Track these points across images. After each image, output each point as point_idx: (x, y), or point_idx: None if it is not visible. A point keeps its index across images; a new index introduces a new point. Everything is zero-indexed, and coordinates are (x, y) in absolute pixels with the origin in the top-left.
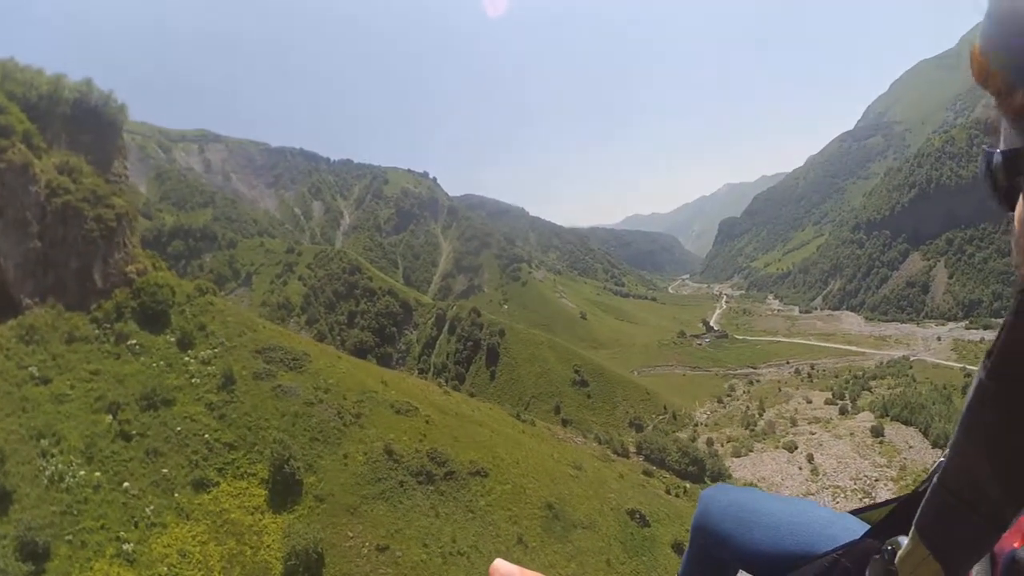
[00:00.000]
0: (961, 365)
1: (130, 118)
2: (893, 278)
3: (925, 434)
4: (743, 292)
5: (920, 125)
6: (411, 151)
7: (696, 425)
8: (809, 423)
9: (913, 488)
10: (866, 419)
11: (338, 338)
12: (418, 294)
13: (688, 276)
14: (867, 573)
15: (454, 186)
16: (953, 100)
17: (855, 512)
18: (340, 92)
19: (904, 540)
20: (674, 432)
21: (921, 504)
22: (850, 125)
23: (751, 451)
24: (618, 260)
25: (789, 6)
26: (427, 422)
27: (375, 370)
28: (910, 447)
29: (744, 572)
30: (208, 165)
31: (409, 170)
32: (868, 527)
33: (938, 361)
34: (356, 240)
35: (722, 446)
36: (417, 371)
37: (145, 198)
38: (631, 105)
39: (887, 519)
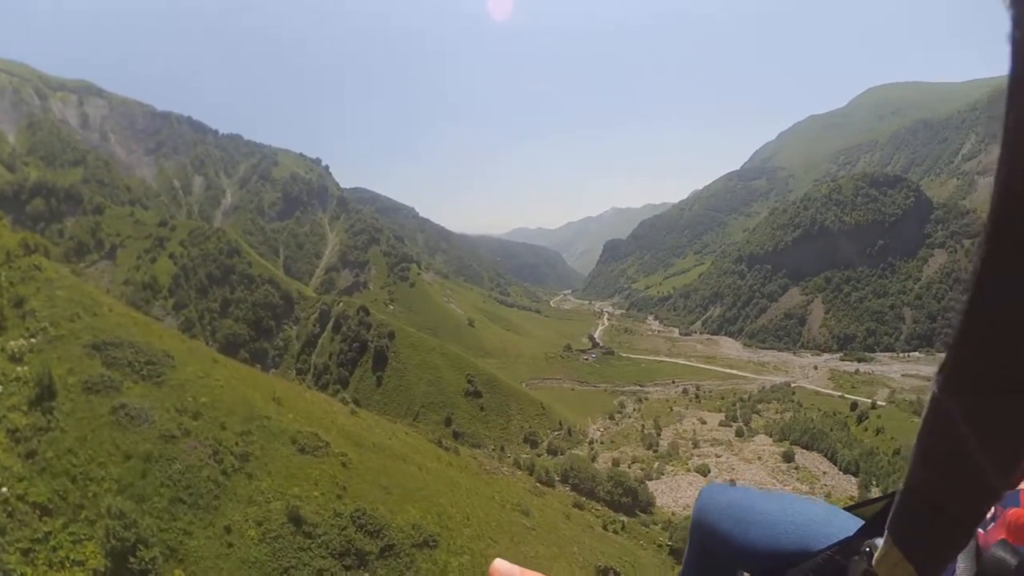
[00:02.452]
0: (839, 393)
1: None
2: (772, 308)
3: (833, 460)
4: (624, 311)
5: (803, 173)
6: (305, 136)
7: (591, 442)
8: (711, 445)
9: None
10: (764, 442)
11: (208, 328)
12: (301, 286)
13: (570, 292)
14: (848, 574)
15: (344, 178)
16: (837, 154)
17: (850, 508)
18: (239, 62)
19: (880, 542)
20: (569, 449)
21: (892, 509)
22: (736, 166)
23: (662, 474)
24: (504, 270)
25: (693, 47)
26: (344, 464)
27: (263, 380)
28: (824, 472)
29: (743, 571)
30: (85, 120)
31: (301, 154)
32: (863, 523)
33: (818, 389)
34: (236, 221)
35: (629, 467)
36: (295, 371)
37: (11, 147)
38: (525, 118)
39: (880, 514)
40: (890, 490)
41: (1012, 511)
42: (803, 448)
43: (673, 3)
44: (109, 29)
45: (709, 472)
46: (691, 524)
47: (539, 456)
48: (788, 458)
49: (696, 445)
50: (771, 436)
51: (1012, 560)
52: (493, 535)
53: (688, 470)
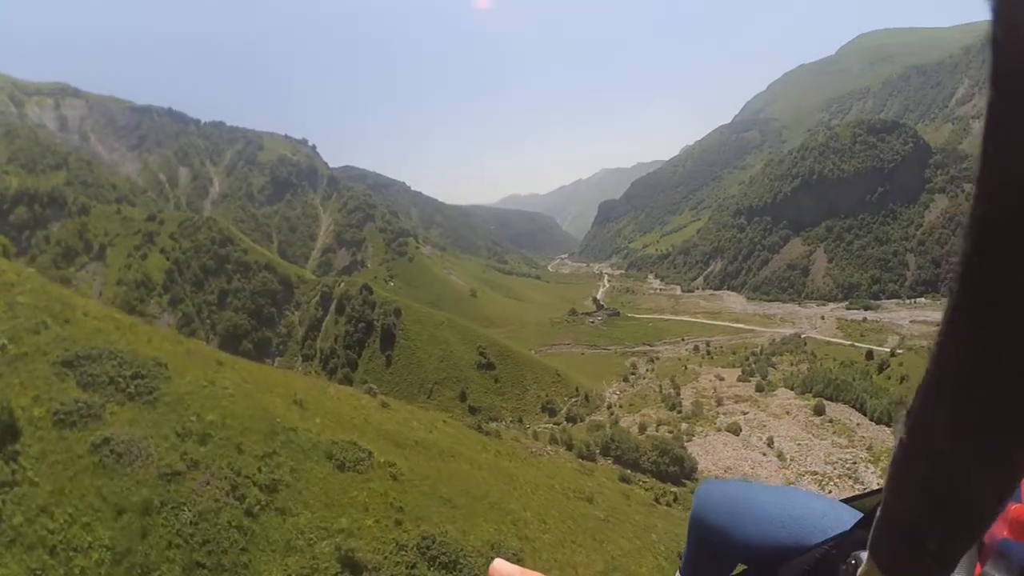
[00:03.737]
0: (850, 342)
1: None
2: (774, 260)
3: (862, 411)
4: (623, 272)
5: (796, 123)
6: (289, 117)
7: (610, 407)
8: (735, 401)
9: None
10: (787, 396)
11: (207, 322)
12: (299, 269)
13: (567, 255)
14: None
15: (332, 158)
16: (829, 103)
17: (847, 500)
18: (215, 48)
19: (864, 556)
20: (588, 415)
21: (872, 530)
22: (727, 119)
23: (692, 436)
24: (500, 239)
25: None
26: (394, 478)
27: (278, 378)
28: (858, 424)
29: (742, 565)
30: (64, 123)
31: (287, 136)
32: (860, 516)
33: (829, 339)
34: (226, 210)
35: (656, 430)
36: (301, 357)
37: None
38: (512, 84)
39: (872, 512)
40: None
41: (1014, 507)
42: (828, 400)
43: None
44: (81, 28)
45: (741, 430)
46: (690, 518)
47: (558, 424)
48: (819, 411)
49: (720, 403)
50: (793, 389)
51: (1018, 555)
52: (574, 537)
53: (718, 429)
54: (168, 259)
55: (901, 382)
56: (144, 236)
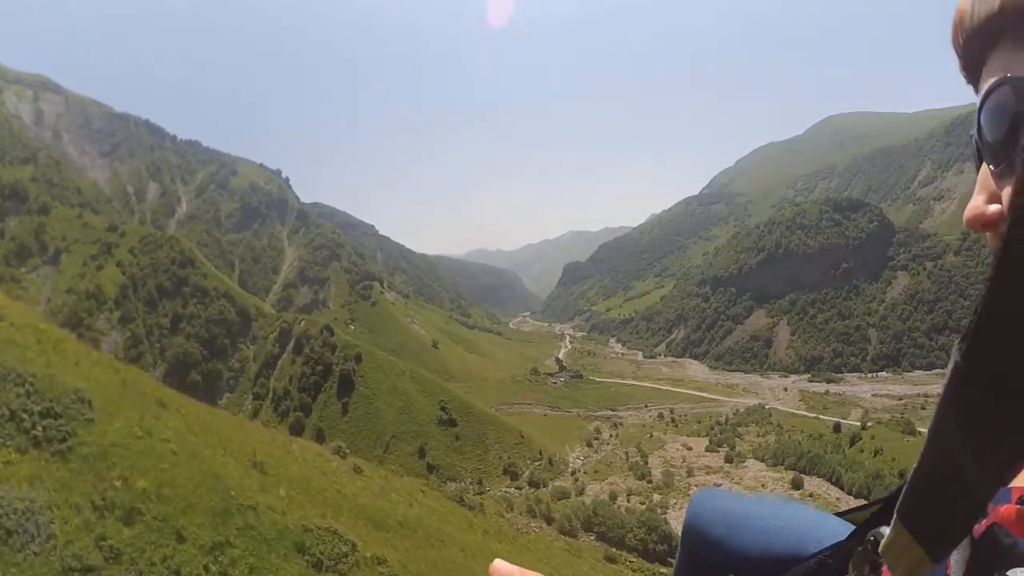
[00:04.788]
0: (814, 415)
1: None
2: (737, 331)
3: (838, 485)
4: (585, 334)
5: (762, 199)
6: (264, 147)
7: (574, 472)
8: (706, 472)
9: (895, 487)
10: (758, 468)
11: (157, 346)
12: (259, 301)
13: (529, 313)
14: (851, 564)
15: (303, 193)
16: (795, 180)
17: (841, 514)
18: (202, 66)
19: (886, 530)
20: (552, 481)
21: (902, 493)
22: (694, 191)
23: (668, 508)
24: (464, 291)
25: (651, 73)
26: None
27: (232, 429)
28: (838, 499)
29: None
30: (39, 117)
31: (262, 165)
32: (854, 528)
33: (793, 411)
34: (191, 232)
35: (627, 500)
36: (252, 396)
37: None
38: (483, 139)
39: (872, 520)
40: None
41: (1004, 507)
42: (802, 473)
43: (630, 30)
44: (72, 25)
45: None
46: (683, 530)
47: (520, 489)
48: (797, 485)
49: (690, 473)
50: (764, 461)
51: (1008, 542)
52: None
53: None
54: (124, 273)
55: (875, 455)
56: (103, 246)
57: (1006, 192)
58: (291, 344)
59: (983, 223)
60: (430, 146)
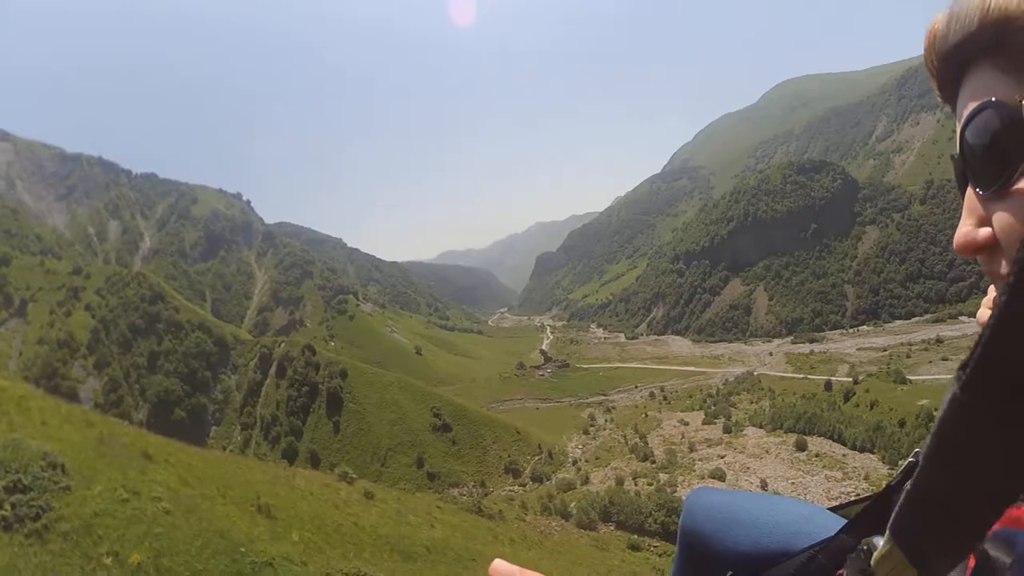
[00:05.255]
0: (802, 375)
1: None
2: (716, 302)
3: (840, 441)
4: (565, 322)
5: (723, 170)
6: (222, 171)
7: (575, 462)
8: (708, 446)
9: (886, 484)
10: (758, 435)
11: (136, 387)
12: (236, 329)
13: (506, 309)
14: (845, 572)
15: (266, 213)
16: (754, 148)
17: (833, 509)
18: (149, 97)
19: (879, 540)
20: (554, 473)
21: (895, 509)
22: (656, 169)
23: (676, 486)
24: (439, 294)
25: (600, 54)
26: None
27: (227, 469)
28: (844, 455)
29: (730, 572)
30: None
31: (221, 190)
32: (845, 522)
33: (781, 374)
34: (157, 266)
35: (635, 484)
36: (240, 426)
37: None
38: (442, 137)
39: (862, 515)
40: (883, 484)
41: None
42: (802, 434)
43: (582, 12)
44: (10, 67)
45: (726, 476)
46: (679, 528)
47: (523, 486)
48: (801, 447)
49: (692, 448)
50: (762, 427)
51: (1006, 559)
52: None
53: (701, 477)
54: (94, 317)
55: (871, 408)
56: (69, 291)
57: (996, 216)
58: (273, 368)
59: (974, 248)
60: (387, 155)
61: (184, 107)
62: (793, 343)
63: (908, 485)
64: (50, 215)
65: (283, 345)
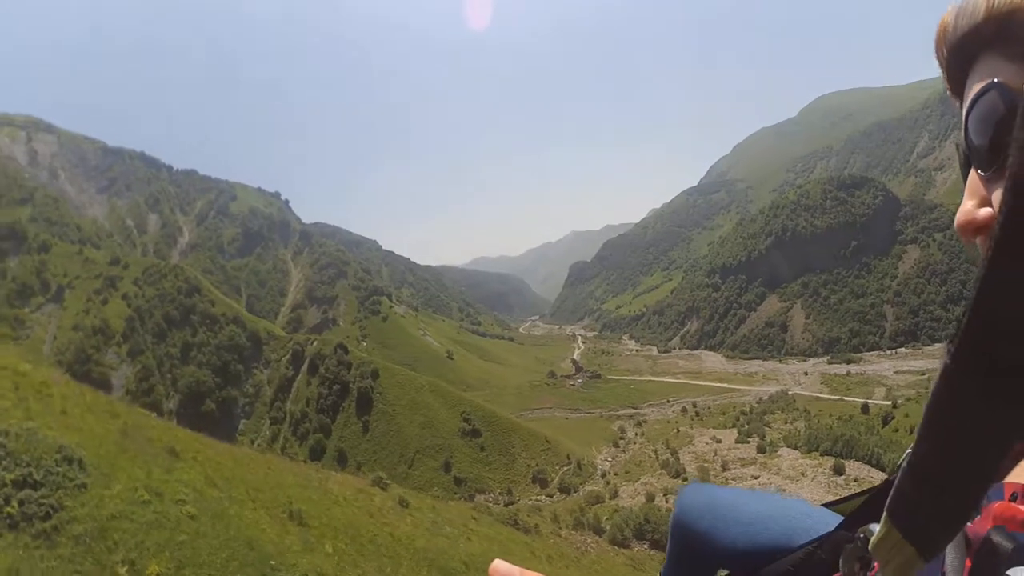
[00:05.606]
0: (838, 397)
1: None
2: (751, 318)
3: (879, 467)
4: (596, 333)
5: (761, 184)
6: (261, 170)
7: (604, 475)
8: (741, 465)
9: (883, 480)
10: (792, 456)
11: (168, 376)
12: (269, 324)
13: (538, 317)
14: (840, 561)
15: (303, 213)
16: (793, 163)
17: (828, 505)
18: (194, 95)
19: (876, 527)
20: (582, 485)
21: (892, 489)
22: (693, 182)
23: None
24: (471, 299)
25: (635, 66)
26: None
27: (258, 469)
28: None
29: (724, 570)
30: (34, 157)
31: (260, 189)
32: (842, 519)
33: (816, 395)
34: (195, 260)
35: (665, 501)
36: (269, 420)
37: None
38: (479, 143)
39: (860, 510)
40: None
41: (997, 504)
42: (838, 458)
43: (617, 23)
44: (59, 63)
45: None
46: (671, 524)
47: (550, 496)
48: (839, 471)
49: (725, 467)
50: (797, 448)
51: (1008, 544)
52: None
53: None
54: (130, 306)
55: (911, 433)
56: (106, 280)
57: (995, 195)
58: (305, 365)
59: (974, 228)
60: (424, 160)
61: (227, 106)
62: (829, 363)
63: (904, 462)
64: (91, 206)
65: (316, 343)
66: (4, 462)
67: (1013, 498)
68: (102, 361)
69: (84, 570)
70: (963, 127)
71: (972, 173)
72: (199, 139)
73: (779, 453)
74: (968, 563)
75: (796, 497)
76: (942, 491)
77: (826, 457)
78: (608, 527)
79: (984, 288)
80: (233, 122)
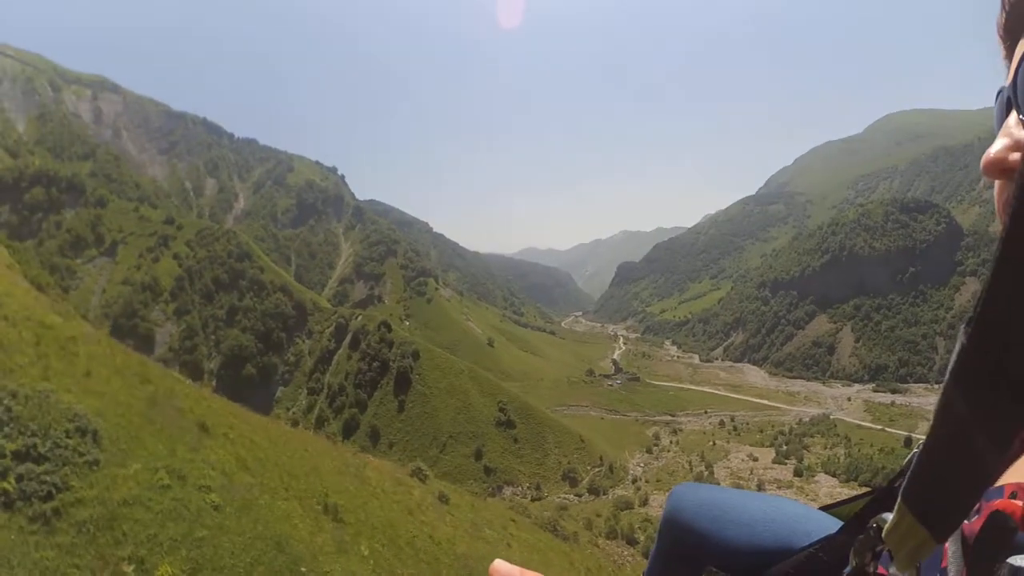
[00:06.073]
0: (880, 427)
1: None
2: (798, 336)
3: None
4: (638, 335)
5: (821, 199)
6: (319, 145)
7: (635, 480)
8: (777, 487)
9: (885, 482)
10: (830, 483)
11: (212, 338)
12: (316, 296)
13: (581, 313)
14: (852, 553)
15: (358, 190)
16: (855, 180)
17: (825, 508)
18: (260, 67)
19: (888, 516)
20: (612, 488)
21: (906, 476)
22: (750, 191)
23: None
24: (516, 289)
25: (706, 70)
26: None
27: (294, 449)
28: None
29: (715, 569)
30: (99, 115)
31: (318, 162)
32: (841, 523)
33: (859, 422)
34: (248, 227)
35: None
36: (307, 391)
37: (18, 135)
38: (536, 135)
39: (860, 514)
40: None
41: (998, 502)
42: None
43: (686, 24)
44: (129, 26)
45: None
46: (662, 523)
47: (579, 496)
48: None
49: (761, 487)
50: (835, 476)
51: (1008, 533)
52: None
53: None
54: (180, 266)
55: None
56: (159, 239)
57: None
58: (347, 339)
59: (1002, 169)
60: (482, 144)
61: (294, 80)
62: (874, 391)
63: (920, 447)
64: (151, 167)
65: (360, 318)
66: (6, 428)
67: (1013, 496)
68: (148, 317)
69: (84, 564)
70: (1012, 74)
71: (1010, 118)
72: (263, 109)
73: (816, 479)
74: (967, 557)
75: (792, 500)
76: (958, 469)
77: (865, 488)
78: (642, 538)
79: (995, 284)
80: (298, 95)
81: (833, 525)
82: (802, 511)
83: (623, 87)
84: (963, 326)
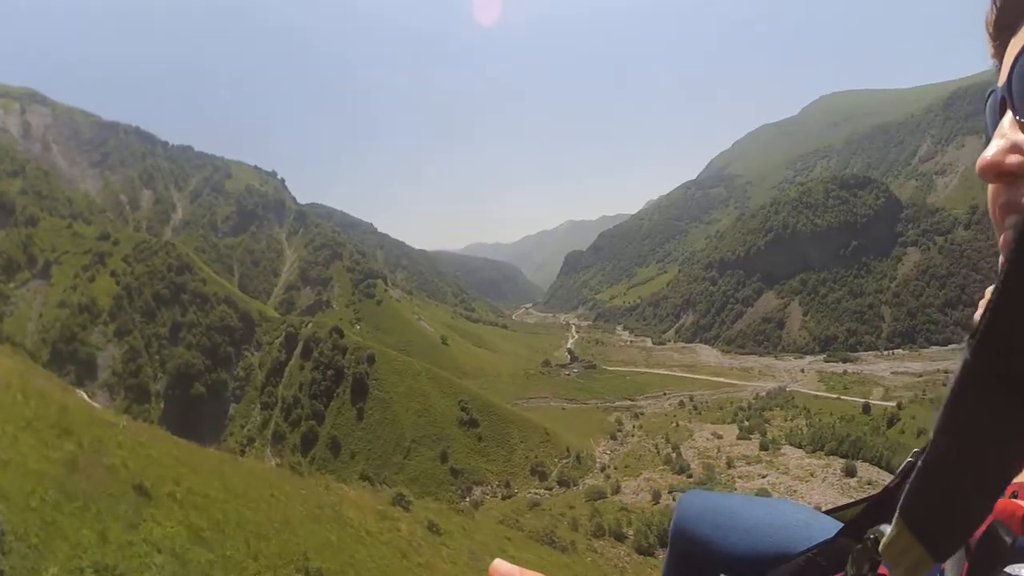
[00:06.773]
0: (835, 395)
1: None
2: (748, 313)
3: (888, 470)
4: (590, 323)
5: (761, 180)
6: (257, 149)
7: (603, 468)
8: (746, 463)
9: (884, 487)
10: (796, 455)
11: (156, 358)
12: (262, 305)
13: (531, 305)
14: (849, 563)
15: (299, 194)
16: (794, 160)
17: (829, 512)
18: (194, 69)
19: (887, 528)
20: (581, 479)
21: (905, 490)
22: (691, 176)
23: None
24: (465, 286)
25: (636, 59)
26: None
27: (262, 505)
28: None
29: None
30: (27, 130)
31: (256, 167)
32: (842, 525)
33: (815, 393)
34: (188, 238)
35: (673, 499)
36: (260, 405)
37: None
38: (476, 130)
39: (860, 516)
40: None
41: (1000, 500)
42: (843, 458)
43: (617, 8)
44: (56, 34)
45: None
46: (671, 531)
47: (549, 490)
48: (850, 472)
49: (730, 464)
50: (801, 447)
51: (1007, 541)
52: None
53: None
54: (118, 283)
55: (919, 436)
56: (95, 256)
57: None
58: (298, 348)
59: (998, 172)
60: (422, 144)
61: (225, 85)
62: (826, 361)
63: (920, 462)
64: (83, 180)
65: (310, 325)
66: None
67: (1014, 495)
68: (87, 340)
69: None
70: (1007, 74)
71: (1005, 120)
72: (196, 115)
73: (783, 451)
74: (967, 563)
75: (798, 503)
76: (958, 491)
77: (832, 457)
78: (631, 534)
79: (1008, 282)
80: (232, 99)
81: (835, 529)
82: (805, 515)
83: (561, 84)
84: (967, 339)
